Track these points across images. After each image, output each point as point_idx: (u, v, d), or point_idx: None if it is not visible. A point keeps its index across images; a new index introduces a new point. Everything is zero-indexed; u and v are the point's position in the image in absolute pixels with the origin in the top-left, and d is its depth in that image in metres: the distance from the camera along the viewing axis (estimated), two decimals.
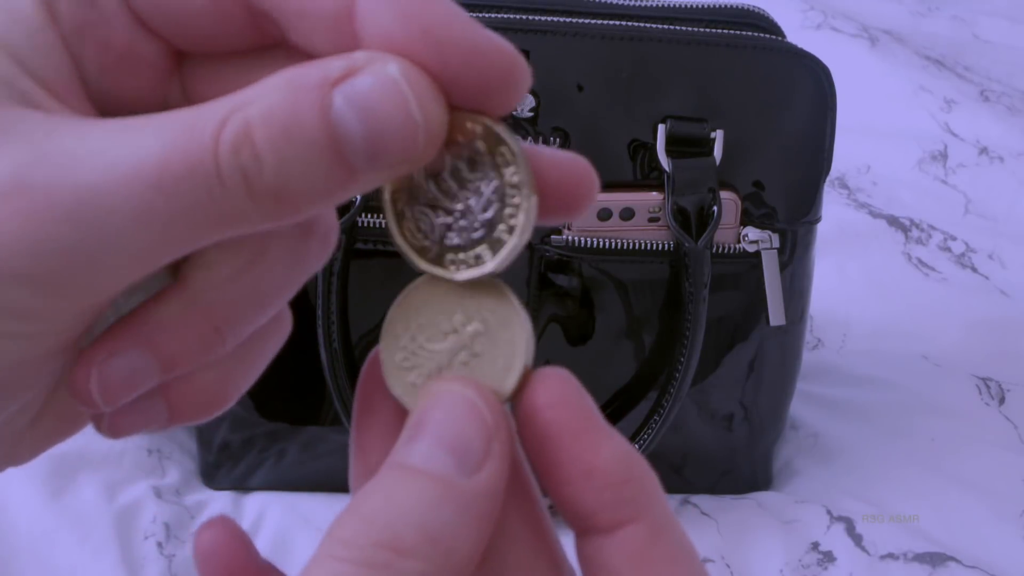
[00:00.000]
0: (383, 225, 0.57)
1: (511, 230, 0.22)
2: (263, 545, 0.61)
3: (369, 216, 0.57)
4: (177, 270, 0.24)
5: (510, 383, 0.23)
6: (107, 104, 0.24)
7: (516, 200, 0.22)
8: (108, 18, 0.23)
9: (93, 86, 0.23)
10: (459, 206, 0.23)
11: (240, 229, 0.21)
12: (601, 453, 0.22)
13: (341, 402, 0.58)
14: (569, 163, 0.23)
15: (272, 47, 0.24)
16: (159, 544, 0.60)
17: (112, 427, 0.25)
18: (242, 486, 0.65)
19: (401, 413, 0.24)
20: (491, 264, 0.23)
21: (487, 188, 0.22)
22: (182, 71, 0.25)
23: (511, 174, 0.22)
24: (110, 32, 0.23)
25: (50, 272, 0.20)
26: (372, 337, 0.60)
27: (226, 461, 0.64)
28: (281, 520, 0.63)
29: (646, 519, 0.22)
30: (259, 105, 0.20)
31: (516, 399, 0.23)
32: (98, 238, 0.20)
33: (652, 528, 0.22)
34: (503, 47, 0.21)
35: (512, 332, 0.23)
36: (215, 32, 0.23)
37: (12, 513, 0.60)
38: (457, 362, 0.23)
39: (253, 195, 0.20)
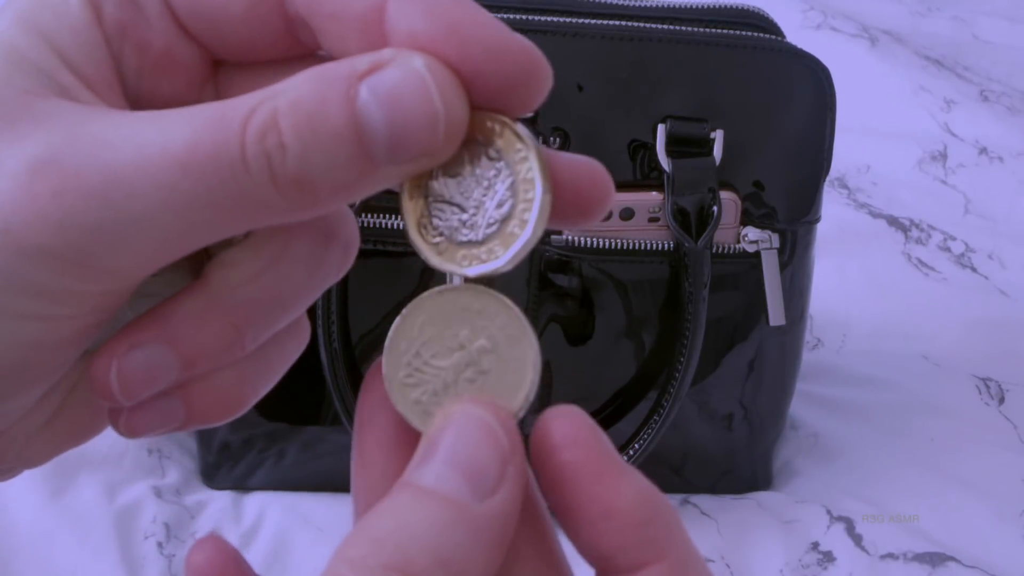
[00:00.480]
0: (383, 225, 0.57)
1: (523, 224, 0.22)
2: (263, 545, 0.61)
3: (369, 216, 0.57)
4: (198, 272, 0.25)
5: (518, 401, 0.23)
6: (142, 105, 0.24)
7: (530, 196, 0.22)
8: (150, 21, 0.24)
9: (131, 86, 0.24)
10: (474, 203, 0.23)
11: (262, 218, 0.22)
12: (621, 493, 0.22)
13: (341, 402, 0.58)
14: (585, 166, 0.23)
15: (305, 57, 0.24)
16: (159, 544, 0.60)
17: (129, 425, 0.25)
18: (242, 486, 0.65)
19: (403, 425, 0.24)
20: (503, 259, 0.23)
21: (502, 185, 0.23)
22: (217, 78, 0.25)
23: (526, 171, 0.22)
24: (151, 35, 0.24)
25: (75, 250, 0.21)
26: (372, 337, 0.60)
27: (226, 461, 0.64)
28: (281, 520, 0.63)
29: (668, 559, 0.22)
30: (288, 95, 0.21)
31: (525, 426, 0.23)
32: (124, 217, 0.21)
33: (674, 568, 0.22)
34: (527, 47, 0.22)
35: (520, 349, 0.23)
36: (251, 39, 0.24)
37: (12, 513, 0.60)
38: (463, 379, 0.23)
39: (276, 182, 0.21)
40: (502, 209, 0.23)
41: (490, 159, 0.23)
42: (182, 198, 0.21)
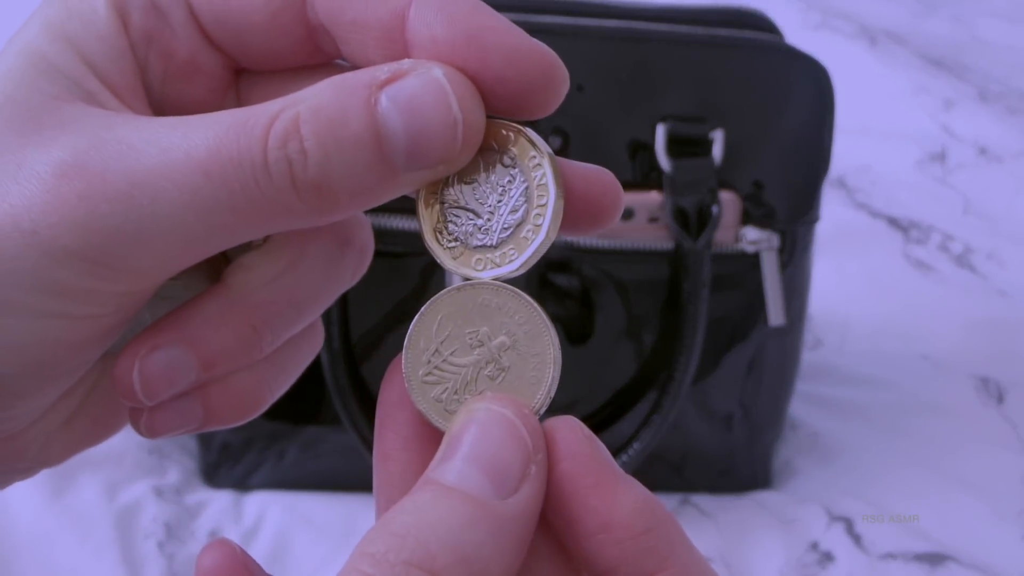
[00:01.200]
0: (383, 225, 0.57)
1: (537, 229, 0.23)
2: (263, 545, 0.61)
3: (369, 215, 0.57)
4: (216, 276, 0.25)
5: (539, 398, 0.23)
6: (166, 111, 0.25)
7: (543, 201, 0.23)
8: (175, 29, 0.24)
9: (155, 92, 0.25)
10: (489, 209, 0.23)
11: (282, 222, 0.22)
12: (619, 504, 0.22)
13: (341, 402, 0.58)
14: (596, 174, 0.24)
15: (325, 66, 0.25)
16: (159, 544, 0.60)
17: (149, 426, 0.25)
18: (242, 486, 0.65)
19: (424, 423, 0.24)
20: (517, 262, 0.23)
21: (516, 191, 0.23)
22: (239, 85, 0.26)
23: (540, 177, 0.23)
24: (175, 43, 0.24)
25: (100, 251, 0.21)
26: (372, 337, 0.60)
27: (226, 461, 0.64)
28: (281, 520, 0.63)
29: (670, 568, 0.22)
30: (310, 102, 0.21)
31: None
32: (147, 220, 0.21)
33: None
34: (544, 51, 0.22)
35: (540, 345, 0.23)
36: (273, 47, 0.25)
37: (13, 513, 0.60)
38: (484, 376, 0.23)
39: (296, 187, 0.21)
40: (516, 214, 0.23)
41: (504, 166, 0.23)
42: (204, 202, 0.21)
